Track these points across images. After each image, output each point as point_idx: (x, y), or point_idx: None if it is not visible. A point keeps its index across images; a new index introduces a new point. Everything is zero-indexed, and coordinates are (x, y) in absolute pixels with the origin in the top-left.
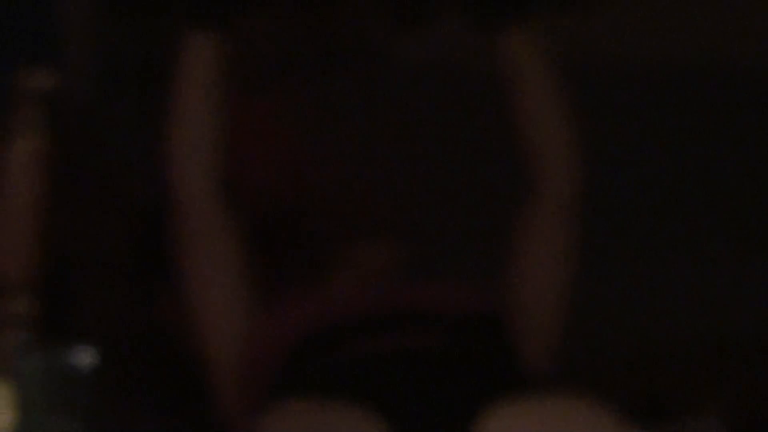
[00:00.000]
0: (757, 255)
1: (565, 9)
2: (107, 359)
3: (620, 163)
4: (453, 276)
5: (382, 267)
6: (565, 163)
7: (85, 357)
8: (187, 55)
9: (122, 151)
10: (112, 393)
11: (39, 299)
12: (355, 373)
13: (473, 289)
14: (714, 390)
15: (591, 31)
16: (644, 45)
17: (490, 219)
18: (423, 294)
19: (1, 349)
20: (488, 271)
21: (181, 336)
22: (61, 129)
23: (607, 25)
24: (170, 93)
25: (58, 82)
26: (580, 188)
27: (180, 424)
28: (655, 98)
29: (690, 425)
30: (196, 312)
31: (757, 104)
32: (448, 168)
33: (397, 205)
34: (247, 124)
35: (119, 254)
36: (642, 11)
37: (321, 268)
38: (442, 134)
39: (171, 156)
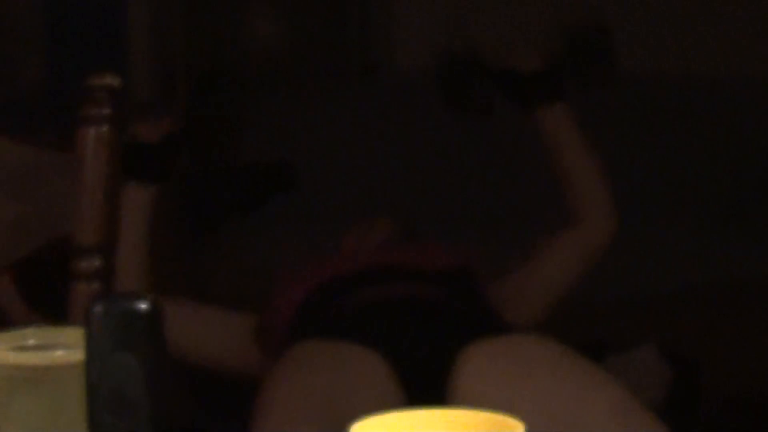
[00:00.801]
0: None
1: (587, 90)
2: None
3: None
4: (436, 240)
5: (381, 237)
6: (603, 207)
7: (143, 304)
8: (124, 200)
9: None
10: (164, 335)
11: (109, 257)
12: (356, 317)
13: (452, 250)
14: (652, 330)
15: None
16: None
17: (466, 197)
18: (412, 253)
19: (77, 299)
20: (466, 238)
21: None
22: (123, 120)
23: None
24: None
25: (121, 83)
26: (612, 234)
27: None
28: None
29: (634, 356)
30: None
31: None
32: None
33: (394, 190)
34: None
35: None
36: None
37: (331, 241)
38: (431, 134)
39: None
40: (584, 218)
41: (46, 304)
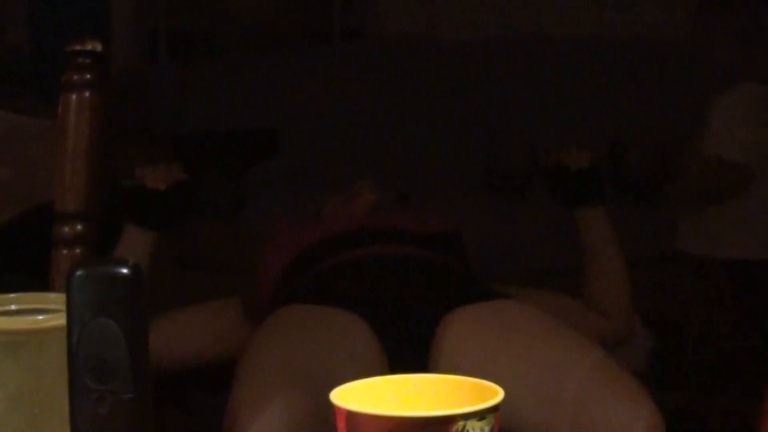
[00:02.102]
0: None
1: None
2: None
3: None
4: (423, 204)
5: (366, 198)
6: (622, 310)
7: (123, 269)
8: (123, 244)
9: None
10: (145, 297)
11: (91, 223)
12: (339, 281)
13: (439, 214)
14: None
15: None
16: None
17: (452, 163)
18: (398, 217)
19: (59, 265)
20: (452, 201)
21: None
22: (106, 85)
23: None
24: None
25: (103, 48)
26: (630, 329)
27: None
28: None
29: None
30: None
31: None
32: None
33: (377, 154)
34: None
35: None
36: None
37: (316, 205)
38: (413, 97)
39: None
40: (603, 312)
41: (28, 269)
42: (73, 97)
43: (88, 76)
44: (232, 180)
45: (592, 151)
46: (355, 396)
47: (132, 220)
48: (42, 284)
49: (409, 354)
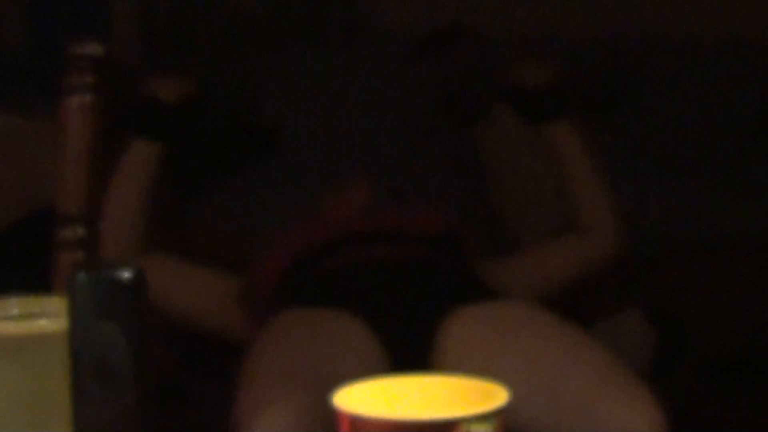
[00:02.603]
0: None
1: (593, 113)
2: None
3: None
4: (421, 202)
5: (362, 200)
6: (609, 222)
7: (126, 273)
8: (130, 157)
9: None
10: (147, 302)
11: (93, 226)
12: (339, 283)
13: (437, 213)
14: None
15: None
16: None
17: (449, 162)
18: (396, 217)
19: (60, 267)
20: (450, 199)
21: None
22: (106, 88)
23: None
24: (111, 180)
25: (104, 51)
26: (618, 246)
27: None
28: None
29: (618, 322)
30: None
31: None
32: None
33: (377, 150)
34: None
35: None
36: None
37: (313, 204)
38: (414, 93)
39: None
40: (589, 229)
41: (30, 272)
42: (74, 99)
43: (88, 79)
44: (242, 90)
45: (551, 66)
46: (357, 398)
47: (141, 132)
48: (44, 288)
49: (411, 355)
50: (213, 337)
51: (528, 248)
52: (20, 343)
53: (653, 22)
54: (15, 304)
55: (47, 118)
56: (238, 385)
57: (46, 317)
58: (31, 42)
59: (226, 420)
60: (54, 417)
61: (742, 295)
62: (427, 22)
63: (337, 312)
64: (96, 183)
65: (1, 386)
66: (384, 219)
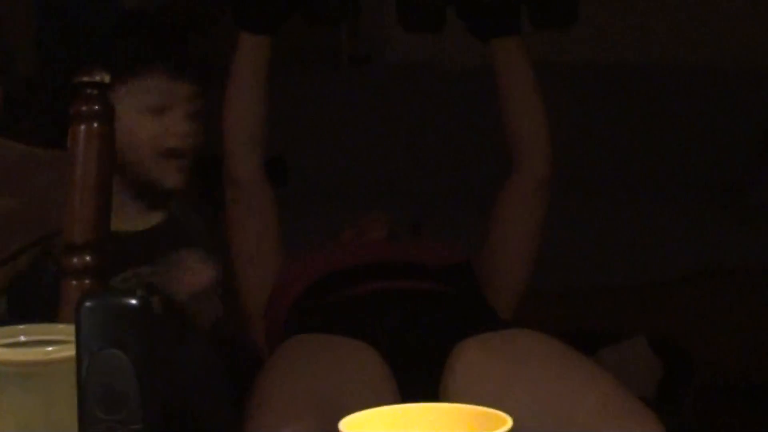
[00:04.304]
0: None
1: (546, 27)
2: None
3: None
4: (434, 232)
5: (378, 232)
6: (542, 147)
7: (132, 300)
8: (240, 53)
9: None
10: (157, 328)
11: (100, 254)
12: (351, 311)
13: (451, 246)
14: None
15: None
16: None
17: (465, 195)
18: (410, 249)
19: (68, 296)
20: (464, 233)
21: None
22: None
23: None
24: (227, 83)
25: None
26: (552, 169)
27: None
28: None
29: (624, 348)
30: (237, 262)
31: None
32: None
33: (384, 180)
34: None
35: None
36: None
37: (329, 234)
38: (428, 129)
39: (225, 132)
40: (522, 160)
41: (37, 300)
42: (82, 128)
43: (96, 107)
44: None
45: None
46: (365, 424)
47: (245, 27)
48: (51, 315)
49: (420, 383)
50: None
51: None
52: (28, 369)
53: (660, 49)
54: (22, 331)
55: (56, 145)
56: (247, 408)
57: (53, 344)
58: (41, 72)
59: None
60: None
61: (746, 320)
62: (433, 54)
63: (348, 339)
64: (104, 211)
65: (10, 411)
66: (398, 250)
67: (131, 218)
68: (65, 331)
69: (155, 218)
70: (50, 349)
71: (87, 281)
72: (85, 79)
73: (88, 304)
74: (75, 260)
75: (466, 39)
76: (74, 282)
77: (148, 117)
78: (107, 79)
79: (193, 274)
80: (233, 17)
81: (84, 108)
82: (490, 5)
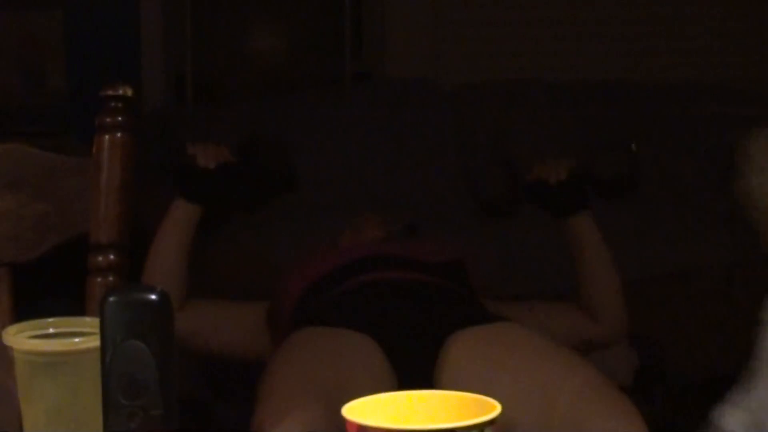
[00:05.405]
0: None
1: (612, 198)
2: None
3: None
4: (431, 235)
5: (376, 231)
6: (616, 312)
7: (153, 296)
8: (172, 214)
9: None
10: (172, 323)
11: (123, 253)
12: (352, 305)
13: (446, 245)
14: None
15: None
16: None
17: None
18: (407, 247)
19: (93, 291)
20: (459, 239)
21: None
22: (138, 126)
23: None
24: (154, 238)
25: (134, 92)
26: (620, 338)
27: None
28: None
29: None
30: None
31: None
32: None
33: (385, 188)
34: None
35: None
36: None
37: (331, 235)
38: (419, 135)
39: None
40: (598, 318)
41: (65, 295)
42: (107, 137)
43: (120, 118)
44: (283, 167)
45: (567, 159)
46: (365, 410)
47: (181, 194)
48: (78, 309)
49: (416, 372)
50: (248, 362)
51: (532, 299)
52: (56, 359)
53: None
54: (52, 324)
55: (83, 154)
56: (256, 397)
57: (79, 336)
58: (69, 85)
59: None
60: (87, 428)
61: (714, 319)
62: (431, 72)
63: (348, 331)
64: (126, 213)
65: (40, 399)
66: (395, 249)
67: None
68: (91, 324)
69: None
70: (77, 340)
71: (111, 278)
72: (110, 92)
73: (111, 299)
74: (100, 258)
75: (462, 57)
76: (99, 279)
77: None
78: (130, 92)
79: None
80: (175, 184)
81: (108, 119)
82: (557, 188)
